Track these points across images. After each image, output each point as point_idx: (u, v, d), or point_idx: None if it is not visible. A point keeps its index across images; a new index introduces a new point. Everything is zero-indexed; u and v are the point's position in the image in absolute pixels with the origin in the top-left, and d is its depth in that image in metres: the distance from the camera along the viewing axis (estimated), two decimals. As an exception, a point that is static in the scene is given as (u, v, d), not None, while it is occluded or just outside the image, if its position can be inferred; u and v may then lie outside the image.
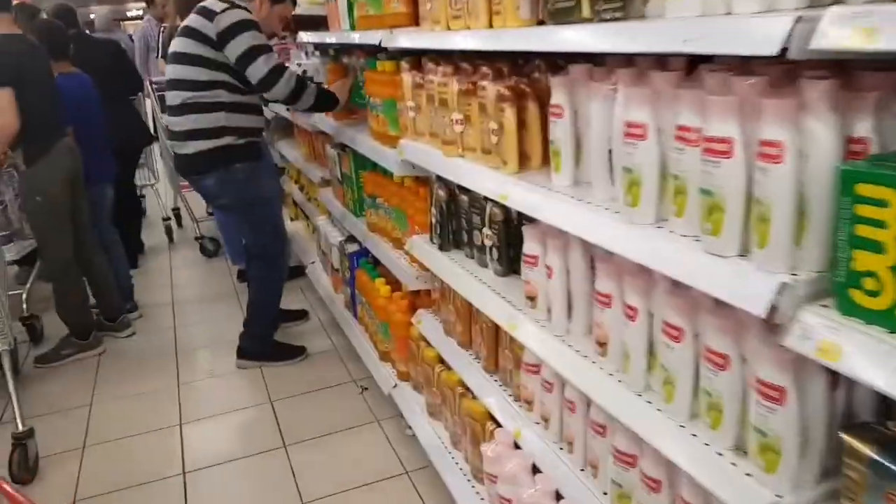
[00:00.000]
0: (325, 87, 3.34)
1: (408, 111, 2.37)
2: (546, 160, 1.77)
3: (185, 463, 2.72)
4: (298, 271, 4.41)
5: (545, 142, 1.75)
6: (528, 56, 2.00)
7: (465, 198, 2.19)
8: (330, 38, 3.34)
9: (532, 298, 1.74)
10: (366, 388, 3.13)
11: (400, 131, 2.54)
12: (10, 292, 3.88)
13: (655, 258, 1.20)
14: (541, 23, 1.63)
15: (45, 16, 4.27)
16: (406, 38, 2.30)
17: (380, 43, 2.48)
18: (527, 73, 1.95)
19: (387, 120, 2.64)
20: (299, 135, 4.70)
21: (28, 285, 3.92)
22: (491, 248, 2.08)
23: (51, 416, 3.15)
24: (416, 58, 2.47)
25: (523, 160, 1.79)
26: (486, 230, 2.08)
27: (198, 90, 2.98)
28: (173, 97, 3.08)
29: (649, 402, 1.34)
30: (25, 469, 2.65)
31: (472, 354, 2.22)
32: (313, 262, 4.34)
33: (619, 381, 1.42)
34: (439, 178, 2.30)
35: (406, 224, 2.68)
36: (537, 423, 1.80)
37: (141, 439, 2.93)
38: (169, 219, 5.83)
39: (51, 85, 3.47)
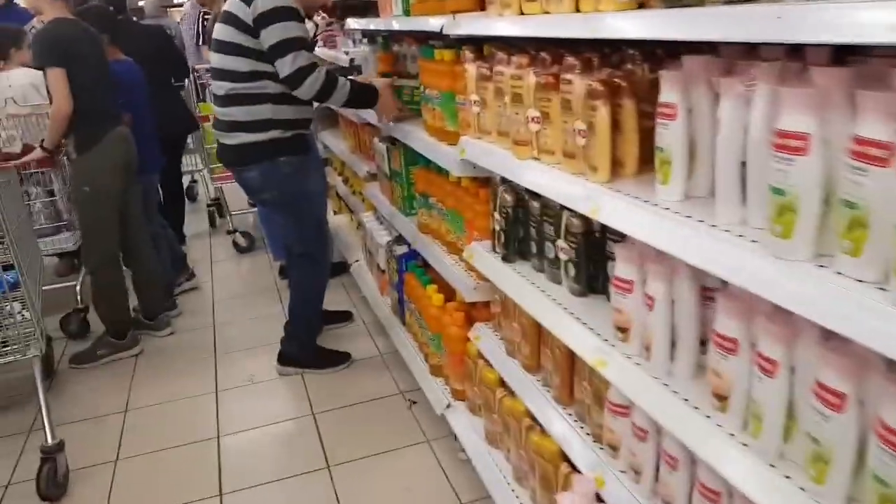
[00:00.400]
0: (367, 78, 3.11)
1: (471, 106, 2.13)
2: (643, 167, 1.52)
3: (222, 483, 2.53)
4: (342, 267, 4.20)
5: (642, 146, 1.50)
6: (619, 45, 1.73)
7: (535, 204, 1.95)
8: (381, 24, 3.10)
9: (623, 330, 1.49)
10: (415, 402, 2.91)
11: (459, 127, 2.30)
12: (58, 285, 3.82)
13: (818, 308, 0.93)
14: (641, 5, 1.38)
15: (95, 2, 4.15)
16: (474, 25, 2.03)
17: (441, 30, 2.23)
18: (616, 63, 1.68)
19: (444, 114, 2.40)
20: (345, 125, 4.48)
21: (81, 276, 3.81)
22: (566, 263, 1.83)
23: (83, 424, 2.99)
24: (478, 46, 2.22)
25: (615, 167, 1.53)
26: (560, 242, 1.83)
27: (242, 81, 2.77)
28: (217, 87, 2.89)
29: (788, 478, 1.08)
30: (54, 485, 2.48)
31: (539, 381, 1.98)
32: (357, 261, 4.13)
33: (744, 444, 1.16)
34: (504, 179, 2.05)
35: (463, 228, 2.44)
36: (624, 473, 1.56)
37: (176, 453, 2.75)
38: (212, 205, 5.75)
39: (104, 71, 3.34)
